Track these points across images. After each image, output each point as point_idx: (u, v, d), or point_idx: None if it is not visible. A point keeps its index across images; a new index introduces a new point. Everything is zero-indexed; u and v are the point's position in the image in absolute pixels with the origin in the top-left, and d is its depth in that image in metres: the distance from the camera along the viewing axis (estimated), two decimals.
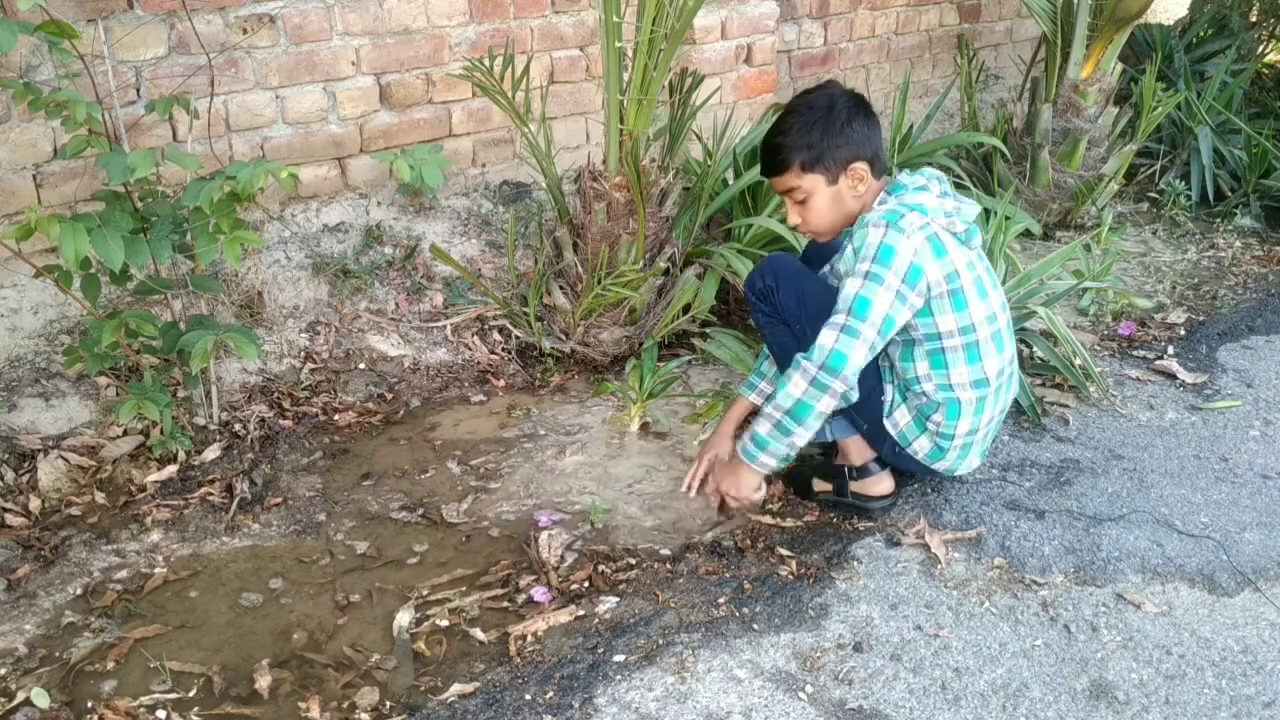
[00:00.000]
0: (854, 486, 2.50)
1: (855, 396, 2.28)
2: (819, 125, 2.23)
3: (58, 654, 2.05)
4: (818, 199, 2.27)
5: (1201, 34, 5.53)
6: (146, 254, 2.33)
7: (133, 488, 2.55)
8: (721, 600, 2.19)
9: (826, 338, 2.15)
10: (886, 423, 2.39)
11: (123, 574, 2.29)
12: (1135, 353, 3.33)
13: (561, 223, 3.15)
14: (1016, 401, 2.92)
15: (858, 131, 2.23)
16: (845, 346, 2.13)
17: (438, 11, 3.30)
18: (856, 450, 2.48)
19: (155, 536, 2.41)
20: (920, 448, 2.39)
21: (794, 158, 2.25)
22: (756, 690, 1.95)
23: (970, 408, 2.32)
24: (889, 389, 2.37)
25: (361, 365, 3.07)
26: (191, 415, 2.73)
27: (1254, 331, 3.48)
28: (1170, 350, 3.33)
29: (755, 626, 2.12)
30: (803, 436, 2.21)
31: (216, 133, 2.99)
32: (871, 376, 2.35)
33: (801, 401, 2.17)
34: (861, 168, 2.24)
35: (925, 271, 2.14)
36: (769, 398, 2.25)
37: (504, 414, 2.97)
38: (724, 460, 2.46)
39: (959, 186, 3.96)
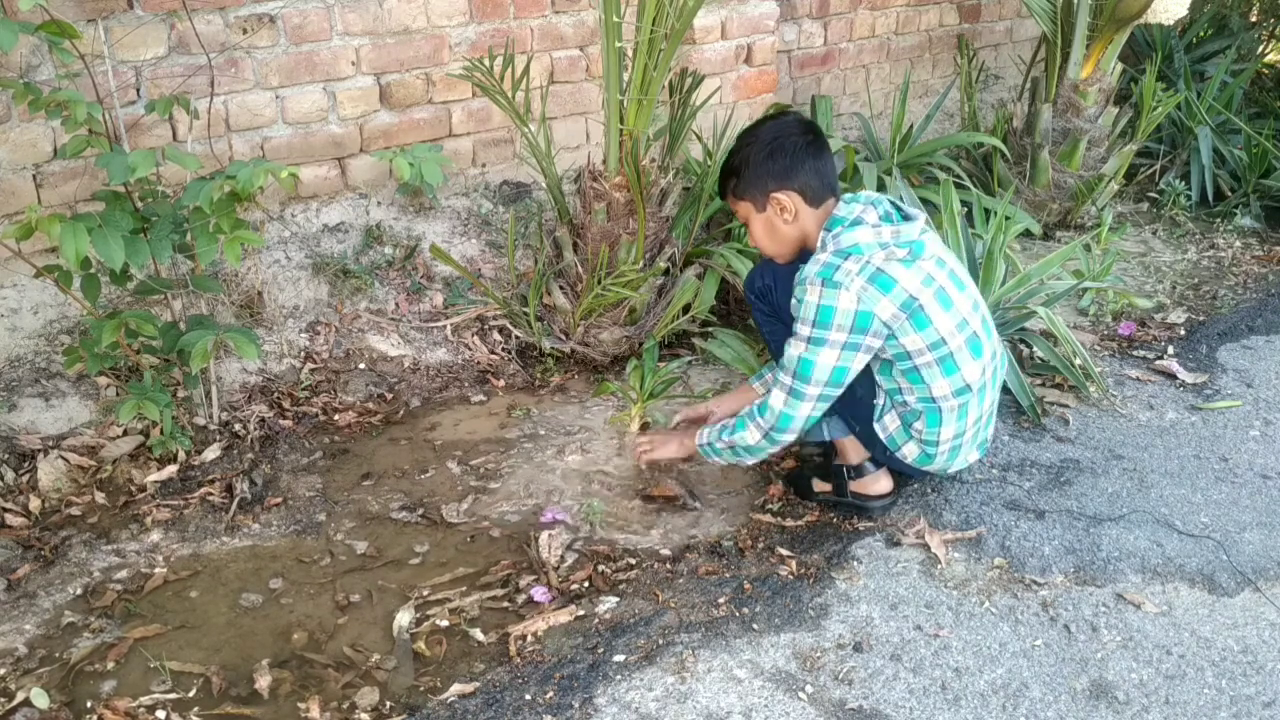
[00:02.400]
0: (853, 486, 2.50)
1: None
2: (742, 154, 2.33)
3: (58, 654, 2.05)
4: (754, 224, 2.37)
5: (1201, 34, 5.53)
6: (147, 254, 2.33)
7: (133, 488, 2.55)
8: (721, 600, 2.19)
9: (776, 399, 2.29)
10: (876, 426, 2.39)
11: (123, 574, 2.29)
12: (1135, 353, 3.33)
13: (561, 223, 3.15)
14: (1016, 401, 2.92)
15: (778, 163, 2.27)
16: (791, 408, 2.27)
17: (438, 11, 3.30)
18: (853, 449, 2.49)
19: (155, 536, 2.41)
20: (909, 452, 2.39)
21: (727, 184, 2.38)
22: (756, 690, 1.95)
23: (953, 415, 2.31)
24: (881, 394, 2.38)
25: (361, 365, 3.07)
26: (191, 415, 2.73)
27: (1254, 331, 3.48)
28: (1170, 350, 3.33)
29: (755, 626, 2.12)
30: (752, 461, 2.44)
31: (216, 133, 2.99)
32: (865, 381, 2.36)
33: (754, 447, 2.37)
34: (783, 198, 2.28)
35: (876, 313, 2.16)
36: (729, 428, 2.39)
37: (504, 414, 2.97)
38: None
39: (958, 187, 3.96)
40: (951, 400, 2.28)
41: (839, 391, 2.26)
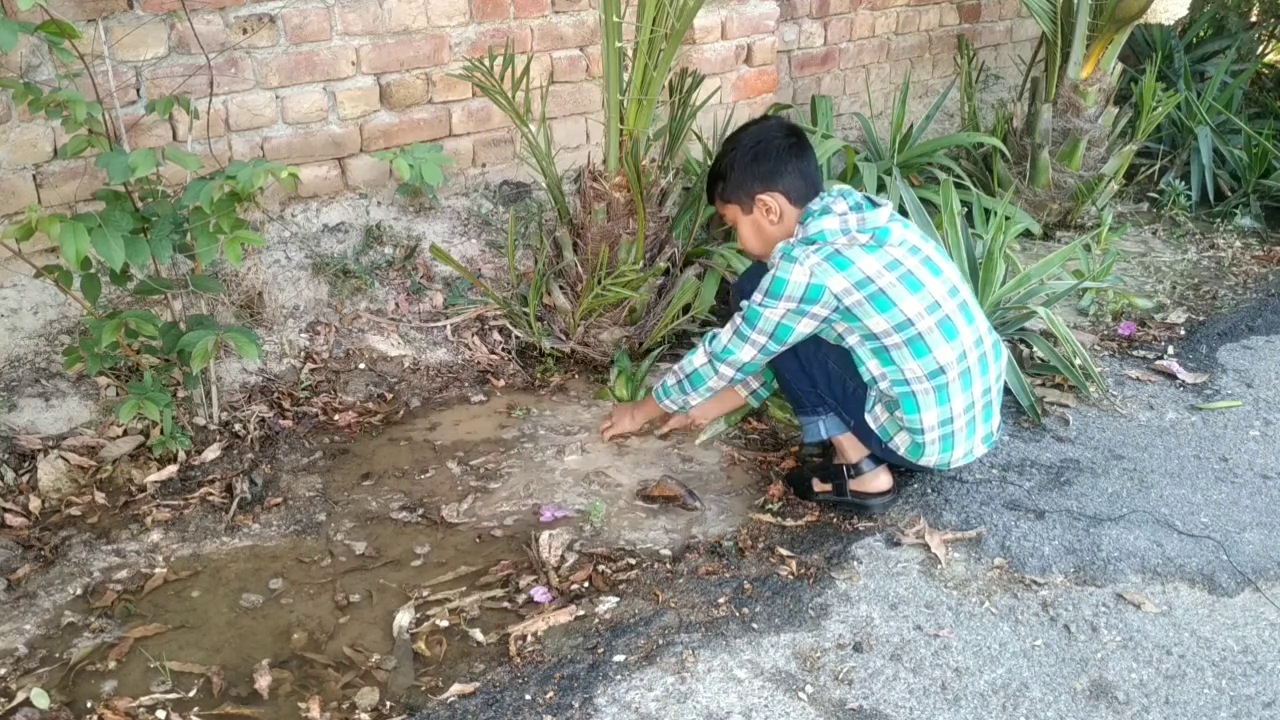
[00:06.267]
0: (853, 485, 2.50)
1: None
2: (726, 160, 2.43)
3: (58, 654, 2.05)
4: (741, 226, 2.47)
5: (1201, 34, 5.53)
6: (147, 253, 2.33)
7: (133, 488, 2.55)
8: (721, 600, 2.19)
9: (725, 333, 2.44)
10: (868, 418, 2.42)
11: (123, 574, 2.29)
12: (1135, 353, 3.33)
13: (561, 223, 3.15)
14: (1016, 401, 2.92)
15: (762, 166, 2.37)
16: (735, 346, 2.41)
17: (438, 11, 3.30)
18: (851, 447, 2.50)
19: (155, 536, 2.41)
20: (901, 443, 2.40)
21: (714, 188, 2.49)
22: (756, 690, 1.95)
23: (929, 398, 2.32)
24: (872, 387, 2.39)
25: (361, 365, 3.07)
26: (191, 415, 2.73)
27: (1254, 331, 3.48)
28: (1170, 350, 3.33)
29: (755, 626, 2.12)
30: (695, 399, 2.57)
31: (216, 133, 2.99)
32: (855, 374, 2.38)
33: (698, 372, 2.50)
34: (768, 200, 2.37)
35: (827, 286, 2.25)
36: (682, 360, 2.56)
37: (504, 414, 2.97)
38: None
39: (958, 187, 3.96)
40: (925, 383, 2.30)
41: (780, 348, 2.37)
